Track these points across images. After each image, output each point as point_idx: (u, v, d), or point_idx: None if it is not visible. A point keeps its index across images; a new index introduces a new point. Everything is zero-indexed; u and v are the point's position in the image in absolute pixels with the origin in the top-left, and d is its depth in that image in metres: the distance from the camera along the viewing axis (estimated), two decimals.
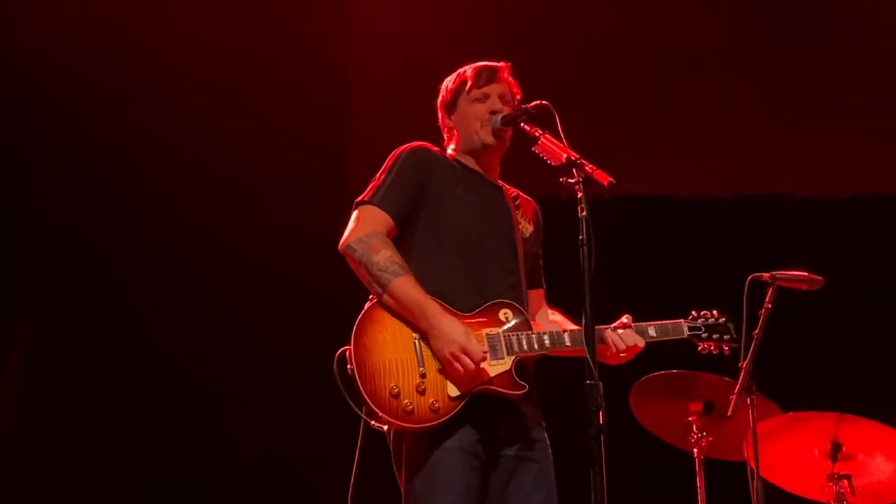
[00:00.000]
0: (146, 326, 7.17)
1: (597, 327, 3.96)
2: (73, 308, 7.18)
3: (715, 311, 4.40)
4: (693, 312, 4.39)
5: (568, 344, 4.12)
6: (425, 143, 4.31)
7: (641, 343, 4.21)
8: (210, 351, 7.16)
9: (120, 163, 7.20)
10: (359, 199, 4.18)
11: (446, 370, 3.97)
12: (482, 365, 3.99)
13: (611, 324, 4.22)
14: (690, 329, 4.35)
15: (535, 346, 4.09)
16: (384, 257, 4.03)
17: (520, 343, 4.08)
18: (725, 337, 4.39)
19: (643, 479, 6.89)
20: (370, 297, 4.10)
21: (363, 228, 4.09)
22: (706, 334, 4.36)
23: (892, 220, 7.67)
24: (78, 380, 7.06)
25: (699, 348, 4.39)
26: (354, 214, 4.16)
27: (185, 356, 7.12)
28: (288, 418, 7.06)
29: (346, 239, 4.10)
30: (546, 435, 4.21)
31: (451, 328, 3.97)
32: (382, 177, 4.20)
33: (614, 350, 4.17)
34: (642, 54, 7.70)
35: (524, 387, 4.07)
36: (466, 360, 3.93)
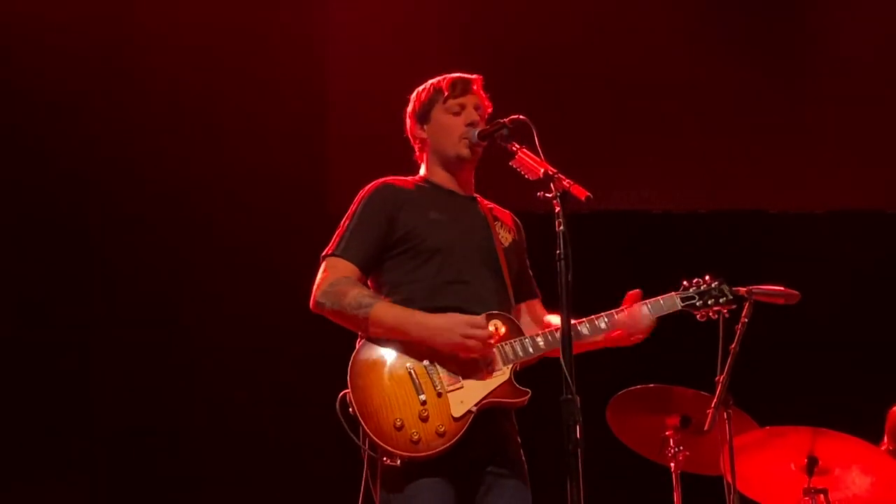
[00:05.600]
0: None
1: (592, 317, 4.15)
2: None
3: (707, 277, 4.35)
4: (684, 282, 4.35)
5: None
6: (388, 179, 4.29)
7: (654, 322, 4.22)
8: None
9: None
10: (324, 252, 4.19)
11: (463, 359, 3.97)
12: (482, 381, 4.00)
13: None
14: (683, 300, 4.29)
15: (530, 350, 4.09)
16: (352, 296, 4.04)
17: (514, 350, 4.07)
18: (721, 300, 4.32)
19: (620, 494, 6.89)
20: (358, 337, 4.10)
21: (328, 280, 4.11)
22: (700, 302, 4.30)
23: (869, 236, 7.71)
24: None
25: (698, 317, 4.33)
26: (321, 268, 4.17)
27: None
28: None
29: (314, 295, 4.12)
30: (522, 452, 4.20)
31: (445, 320, 3.97)
32: (346, 224, 4.20)
33: (630, 331, 4.19)
34: (618, 71, 7.72)
35: (527, 392, 4.07)
36: (476, 334, 3.94)
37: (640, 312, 4.21)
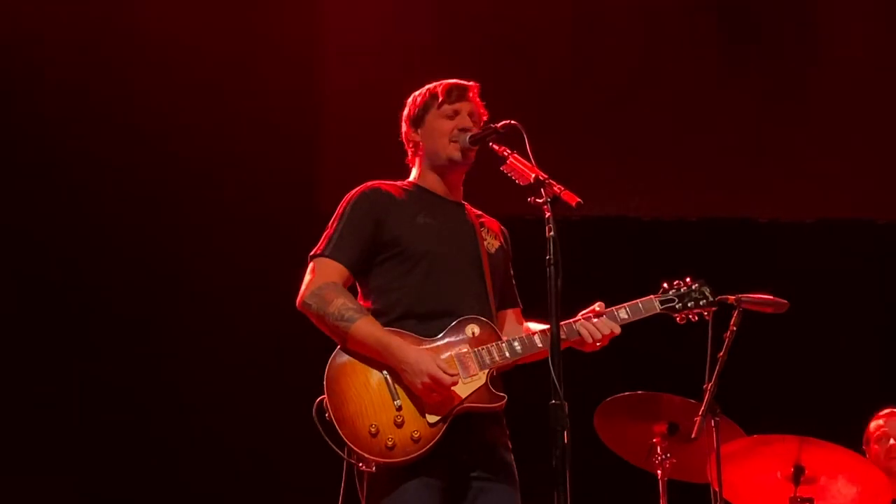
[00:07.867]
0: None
1: (569, 321, 4.07)
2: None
3: (688, 279, 4.30)
4: (664, 285, 4.30)
5: (540, 345, 4.07)
6: (375, 183, 4.28)
7: (617, 329, 4.13)
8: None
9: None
10: (312, 252, 4.18)
11: (424, 400, 3.96)
12: (457, 386, 3.97)
13: (580, 313, 4.16)
14: (662, 303, 4.24)
15: (507, 355, 4.07)
16: (337, 306, 4.03)
17: (490, 355, 4.05)
18: (702, 302, 4.26)
19: (607, 501, 6.88)
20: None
21: (316, 282, 4.10)
22: (680, 304, 4.25)
23: (858, 245, 7.72)
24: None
25: (677, 320, 4.27)
26: (309, 268, 4.16)
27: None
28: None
29: (302, 295, 4.11)
30: (512, 457, 4.19)
31: (418, 358, 3.95)
32: (334, 225, 4.19)
33: (591, 341, 4.13)
34: (610, 78, 7.73)
35: (503, 397, 4.05)
36: (439, 385, 3.91)
37: (606, 324, 4.14)
